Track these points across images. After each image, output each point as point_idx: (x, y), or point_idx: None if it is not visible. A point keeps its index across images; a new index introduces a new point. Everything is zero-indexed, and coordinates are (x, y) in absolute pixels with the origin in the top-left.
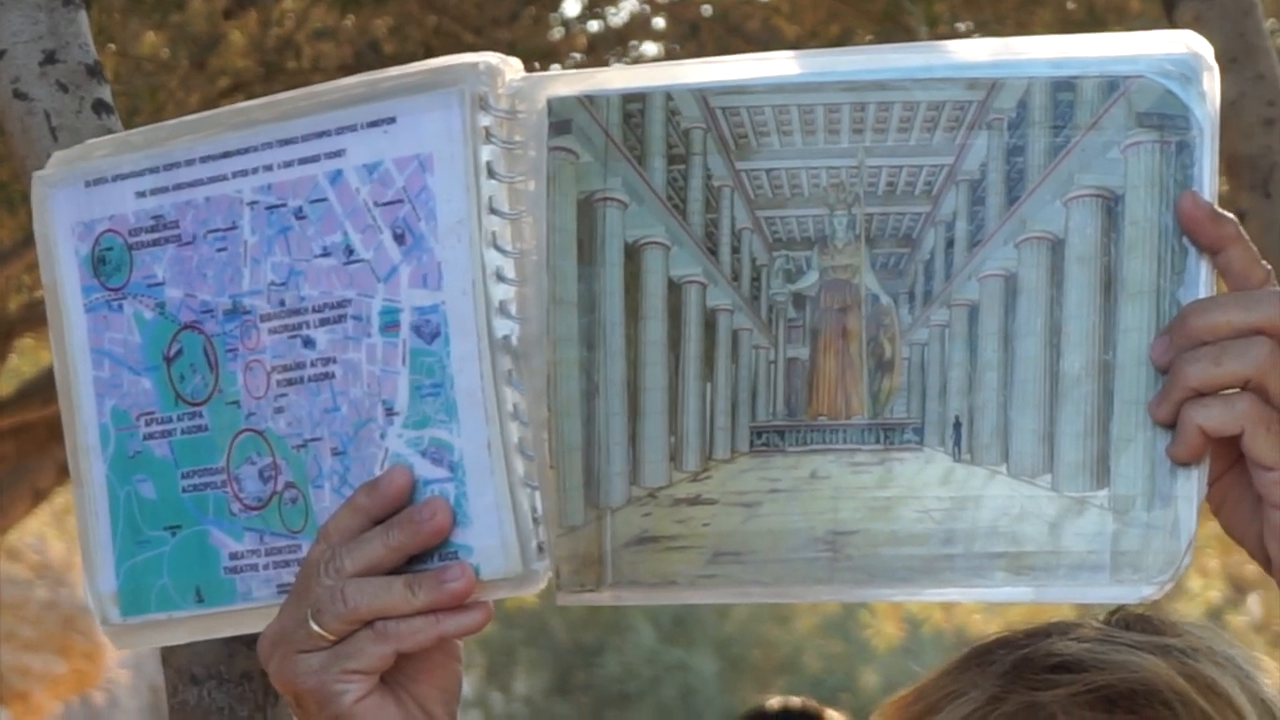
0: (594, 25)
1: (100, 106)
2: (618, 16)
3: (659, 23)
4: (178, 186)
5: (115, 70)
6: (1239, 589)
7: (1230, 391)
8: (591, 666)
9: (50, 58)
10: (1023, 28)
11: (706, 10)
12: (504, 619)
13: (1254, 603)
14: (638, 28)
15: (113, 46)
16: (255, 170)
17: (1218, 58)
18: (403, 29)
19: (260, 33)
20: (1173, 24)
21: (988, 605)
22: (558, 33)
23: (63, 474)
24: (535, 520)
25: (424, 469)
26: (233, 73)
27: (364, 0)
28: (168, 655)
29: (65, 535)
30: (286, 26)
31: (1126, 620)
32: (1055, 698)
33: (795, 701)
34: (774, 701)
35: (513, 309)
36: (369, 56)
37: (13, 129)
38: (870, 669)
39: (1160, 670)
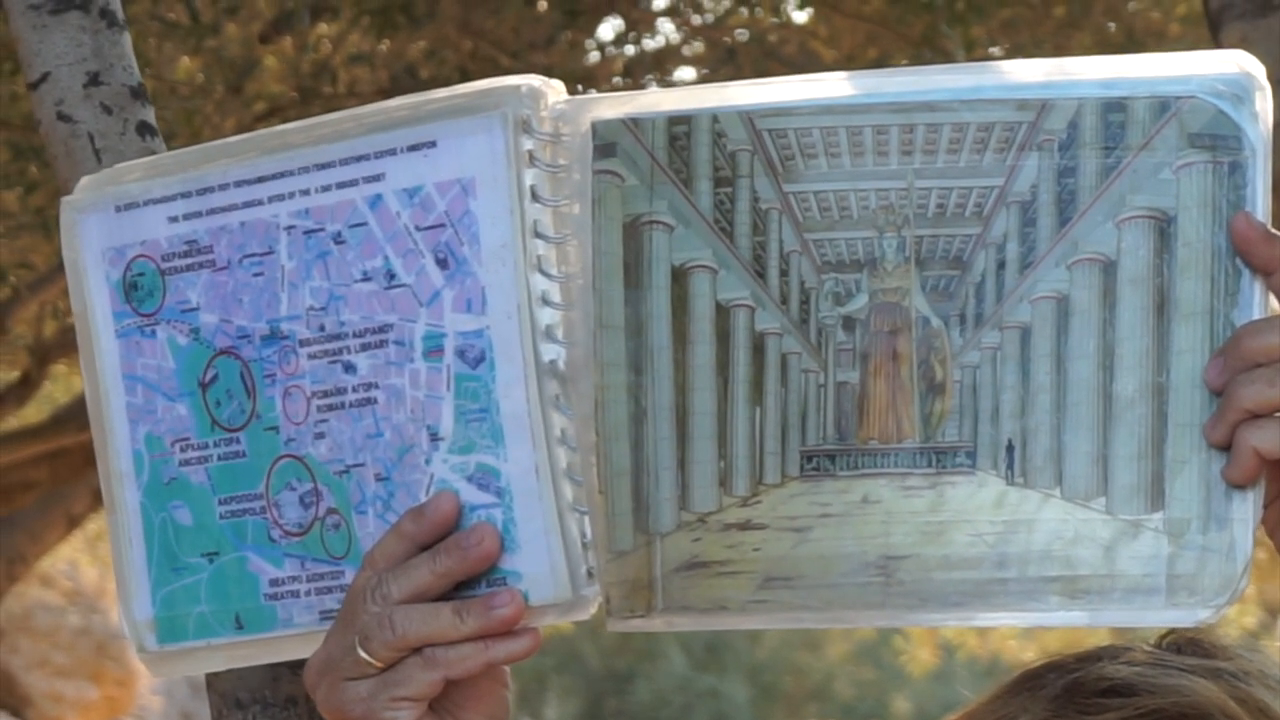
0: (630, 50)
1: (144, 129)
2: (654, 41)
3: (696, 47)
4: (211, 211)
5: (151, 95)
6: (1273, 613)
7: None
8: (623, 694)
9: (94, 80)
10: (1061, 51)
11: (743, 34)
12: None
13: None
14: (674, 52)
15: (148, 71)
16: (292, 195)
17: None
18: (439, 53)
19: (296, 57)
20: (1219, 46)
21: (1024, 631)
22: (594, 57)
23: (97, 500)
24: (584, 545)
25: (470, 494)
26: (268, 97)
27: (400, 24)
28: (211, 680)
29: (98, 561)
30: (322, 51)
31: (1178, 644)
32: None
33: None
34: None
35: (559, 333)
36: (405, 81)
37: (56, 152)
38: (903, 696)
39: (1212, 694)
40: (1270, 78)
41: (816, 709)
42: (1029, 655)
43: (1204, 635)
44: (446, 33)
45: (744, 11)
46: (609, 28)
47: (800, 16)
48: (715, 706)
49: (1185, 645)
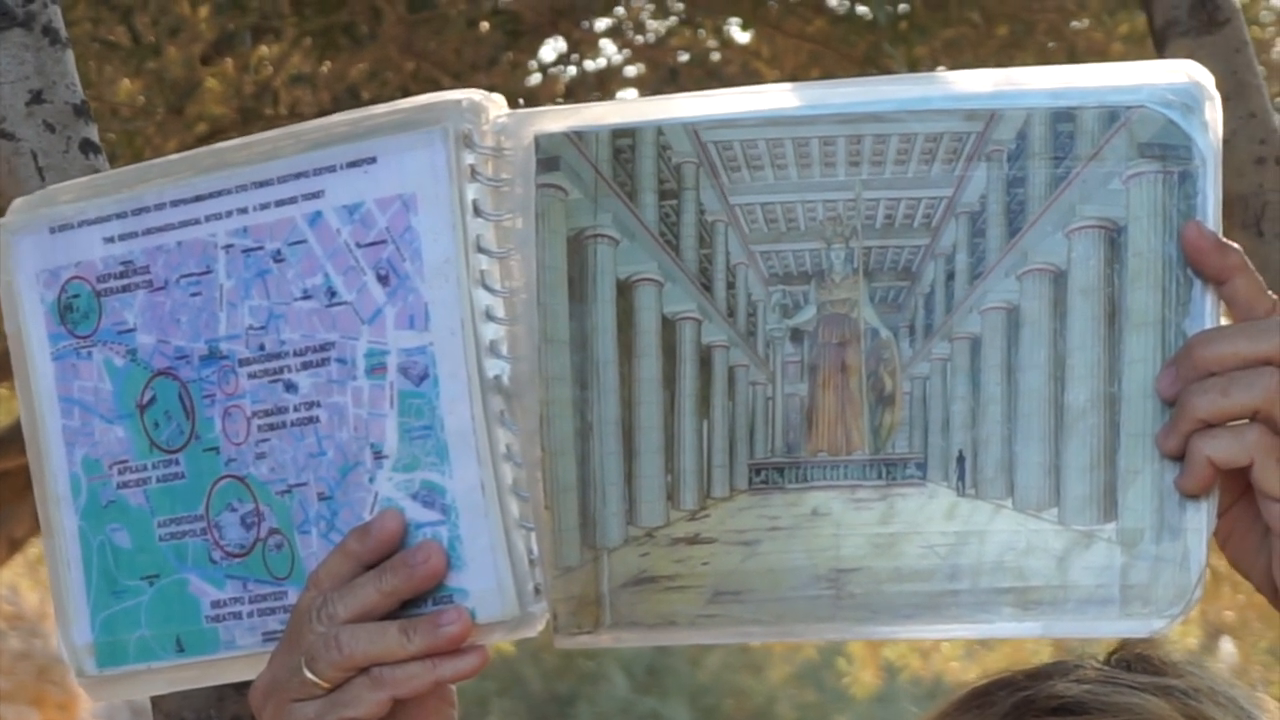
0: (572, 70)
1: (88, 146)
2: (596, 62)
3: (638, 67)
4: (148, 231)
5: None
6: (1216, 634)
7: (1238, 423)
8: (565, 716)
9: (37, 97)
10: None
11: (684, 56)
12: None
13: (1227, 647)
14: (616, 73)
15: (89, 92)
16: (230, 213)
17: None
18: (380, 74)
19: (238, 79)
20: None
21: (967, 651)
22: (536, 78)
23: (38, 523)
24: (531, 562)
25: (415, 512)
26: (210, 119)
27: (341, 46)
28: (157, 701)
29: (39, 585)
30: (264, 73)
31: (1127, 660)
32: None
33: None
34: None
35: (503, 348)
36: (347, 102)
37: None
38: (845, 718)
39: (1163, 711)
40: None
41: None
42: (972, 676)
43: (1153, 652)
44: (389, 54)
45: (687, 33)
46: (551, 49)
47: (743, 37)
48: None
49: (1135, 662)
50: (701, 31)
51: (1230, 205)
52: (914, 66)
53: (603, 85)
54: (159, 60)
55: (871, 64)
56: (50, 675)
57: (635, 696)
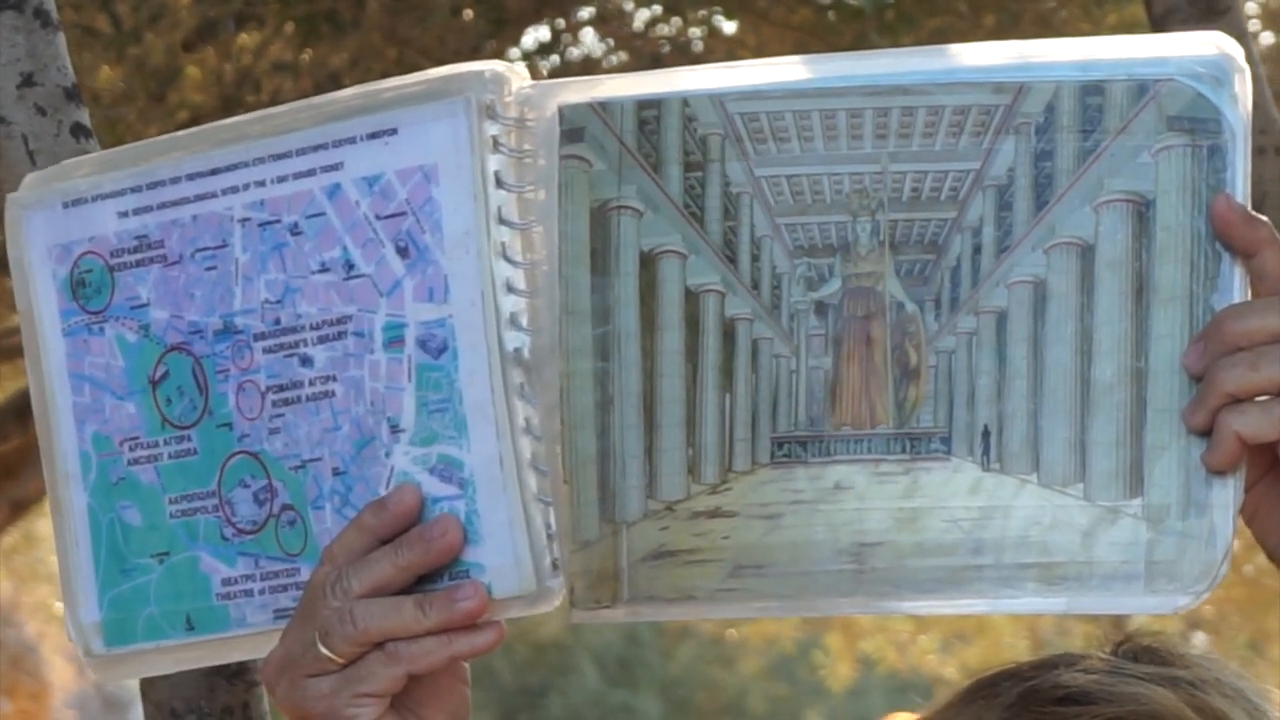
0: (556, 59)
1: (79, 130)
2: (580, 50)
3: (622, 56)
4: (163, 205)
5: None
6: (1194, 626)
7: (1266, 398)
8: (536, 709)
9: (28, 80)
10: None
11: (666, 46)
12: None
13: (1200, 641)
14: (599, 62)
15: None
16: (246, 186)
17: None
18: (363, 62)
19: (219, 66)
20: None
21: (943, 645)
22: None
23: (14, 512)
24: (549, 536)
25: (432, 486)
26: (191, 106)
27: (323, 33)
28: (146, 689)
29: (12, 574)
30: (245, 60)
31: (1134, 651)
32: None
33: None
34: None
35: (524, 321)
36: (329, 89)
37: None
38: (816, 711)
39: (1169, 702)
40: None
41: None
42: (949, 670)
43: (1161, 643)
44: (371, 41)
45: (669, 23)
46: (533, 37)
47: (728, 26)
48: None
49: (1142, 653)
50: (686, 20)
51: None
52: None
53: (586, 74)
54: (140, 47)
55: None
56: (23, 665)
57: (607, 689)
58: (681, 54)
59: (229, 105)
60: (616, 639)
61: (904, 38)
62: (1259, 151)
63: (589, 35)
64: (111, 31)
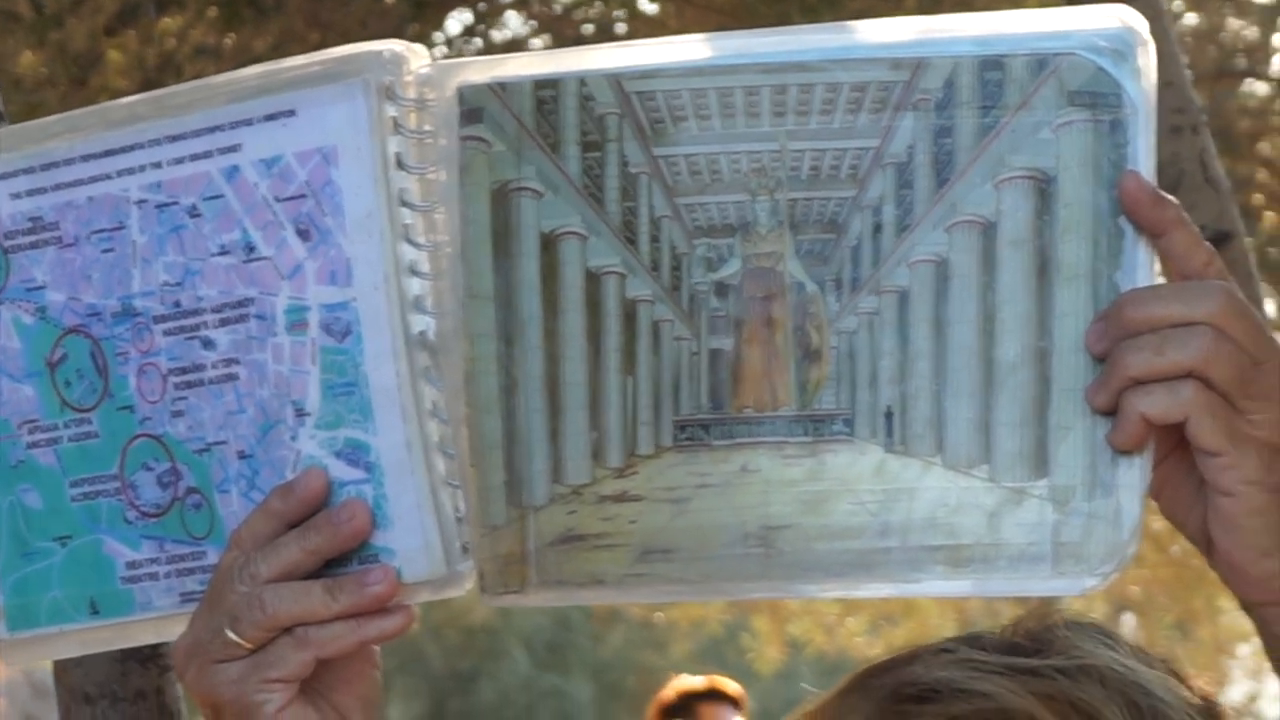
0: (478, 43)
1: None
2: (502, 33)
3: (545, 39)
4: (57, 187)
5: None
6: (1120, 609)
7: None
8: (467, 694)
9: None
10: None
11: (589, 28)
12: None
13: (1128, 622)
14: (522, 45)
15: None
16: (143, 168)
17: None
18: (285, 46)
19: (141, 51)
20: None
21: (871, 627)
22: (440, 51)
23: None
24: (458, 520)
25: (339, 470)
26: (113, 91)
27: (245, 18)
28: (60, 675)
29: None
30: (168, 45)
31: (1017, 639)
32: None
33: (697, 682)
34: (697, 682)
35: (428, 304)
36: None
37: None
38: (748, 694)
39: (1015, 697)
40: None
41: None
42: (876, 651)
43: (1048, 626)
44: (294, 25)
45: (592, 6)
46: (457, 21)
47: (650, 8)
48: (559, 706)
49: (1024, 639)
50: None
51: None
52: None
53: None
54: (61, 31)
55: None
56: None
57: (537, 673)
58: (605, 37)
59: (151, 90)
60: (547, 623)
61: (825, 19)
62: (1175, 131)
63: (512, 19)
64: (33, 16)
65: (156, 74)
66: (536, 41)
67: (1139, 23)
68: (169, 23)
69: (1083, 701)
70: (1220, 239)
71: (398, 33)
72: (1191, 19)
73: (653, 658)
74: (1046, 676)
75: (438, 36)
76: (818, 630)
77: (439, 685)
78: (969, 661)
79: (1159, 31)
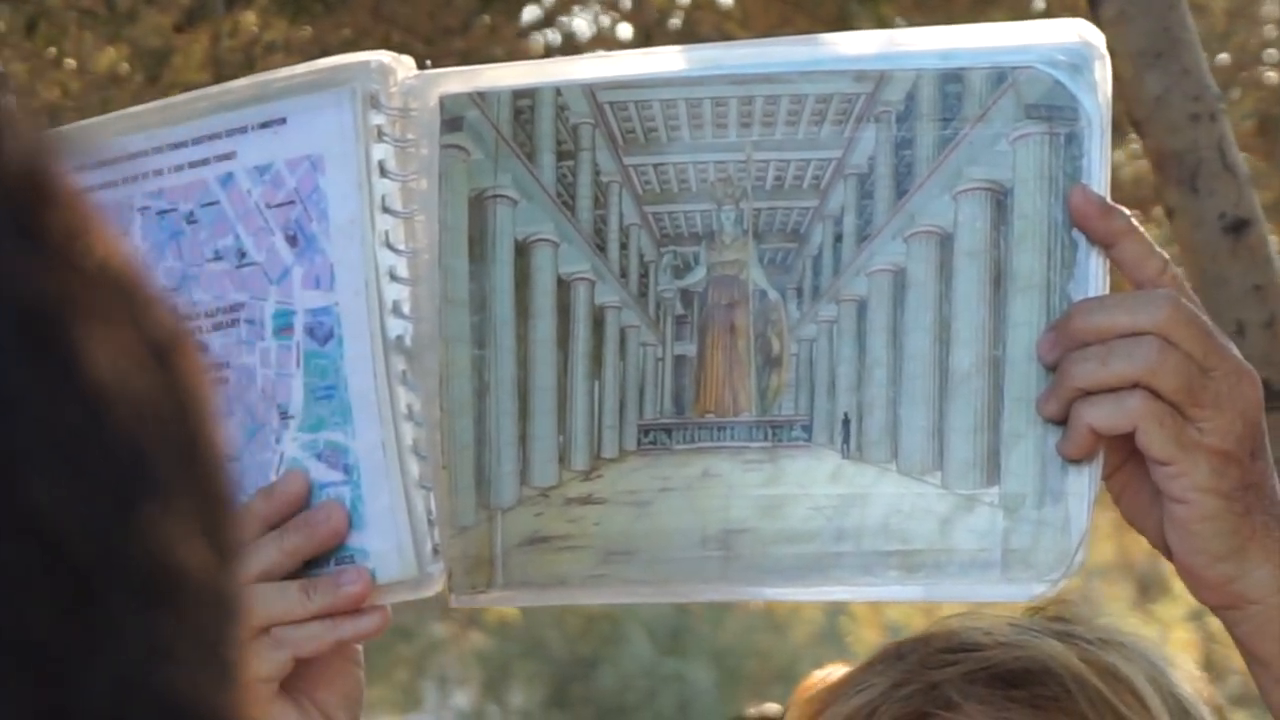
0: (551, 35)
1: None
2: (574, 24)
3: (619, 31)
4: None
5: (66, 86)
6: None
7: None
8: (588, 679)
9: None
10: None
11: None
12: (499, 632)
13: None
14: (605, 34)
15: (71, 63)
16: (146, 175)
17: (1143, 53)
18: (357, 42)
19: (212, 46)
20: (1096, 20)
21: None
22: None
23: None
24: (430, 522)
25: (319, 472)
26: (184, 86)
27: (316, 13)
28: None
29: None
30: (238, 39)
31: (1045, 615)
32: (948, 676)
33: (773, 709)
34: (753, 710)
35: (406, 309)
36: None
37: None
38: None
39: (1056, 651)
40: (1148, 52)
41: (781, 690)
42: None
43: (1072, 611)
44: (360, 20)
45: None
46: (529, 11)
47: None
48: (680, 690)
49: (1052, 618)
50: None
51: (1166, 162)
52: (882, 25)
53: (580, 50)
54: (135, 28)
55: (842, 23)
56: None
57: (658, 659)
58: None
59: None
60: (668, 609)
61: (884, 6)
62: (1193, 118)
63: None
64: (106, 13)
65: (229, 69)
66: (608, 33)
67: (1096, 37)
68: (242, 19)
69: (1115, 667)
70: (1239, 226)
71: (466, 27)
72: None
73: (772, 642)
74: (1081, 641)
75: (509, 29)
76: (916, 613)
77: (560, 671)
78: (1009, 621)
79: (1176, 19)
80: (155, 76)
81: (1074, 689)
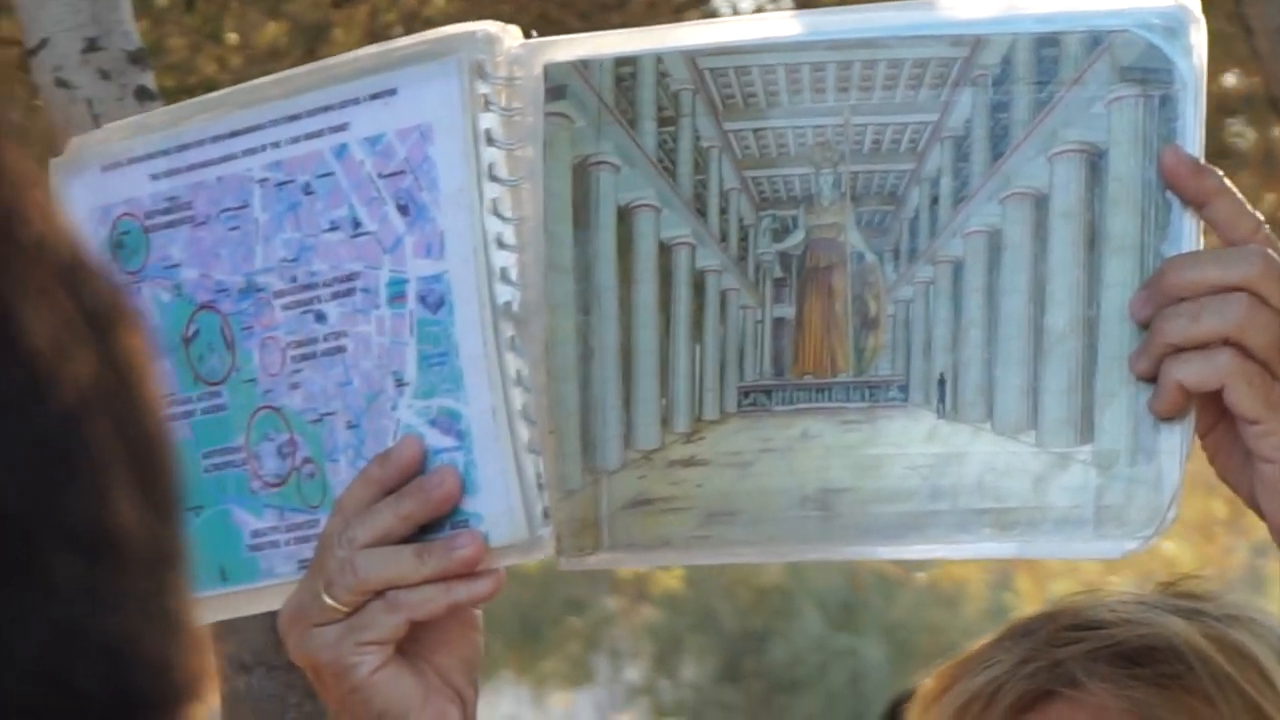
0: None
1: (143, 93)
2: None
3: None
4: (190, 167)
5: (225, 61)
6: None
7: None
8: (759, 653)
9: (92, 45)
10: None
11: None
12: (671, 606)
13: None
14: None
15: (233, 37)
16: (264, 148)
17: None
18: (514, 16)
19: (369, 21)
20: None
21: (1136, 584)
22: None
23: None
24: (539, 486)
25: (434, 438)
26: None
27: None
28: (217, 644)
29: None
30: (398, 13)
31: (1166, 591)
32: (1072, 654)
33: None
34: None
35: (513, 275)
36: None
37: (56, 119)
38: None
39: (1179, 628)
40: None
41: None
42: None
43: (1199, 587)
44: None
45: None
46: None
47: None
48: (852, 665)
49: (1181, 594)
50: None
51: None
52: None
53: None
54: (294, 3)
55: None
56: None
57: (830, 633)
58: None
59: None
60: (840, 583)
61: None
62: None
63: None
64: None
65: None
66: (771, 4)
67: (1191, 1)
68: None
69: (1241, 644)
70: None
71: (622, 3)
72: None
73: (944, 617)
74: (1207, 618)
75: (665, 2)
76: (1079, 589)
77: (732, 644)
78: (1136, 599)
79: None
80: (313, 51)
81: (1197, 667)
